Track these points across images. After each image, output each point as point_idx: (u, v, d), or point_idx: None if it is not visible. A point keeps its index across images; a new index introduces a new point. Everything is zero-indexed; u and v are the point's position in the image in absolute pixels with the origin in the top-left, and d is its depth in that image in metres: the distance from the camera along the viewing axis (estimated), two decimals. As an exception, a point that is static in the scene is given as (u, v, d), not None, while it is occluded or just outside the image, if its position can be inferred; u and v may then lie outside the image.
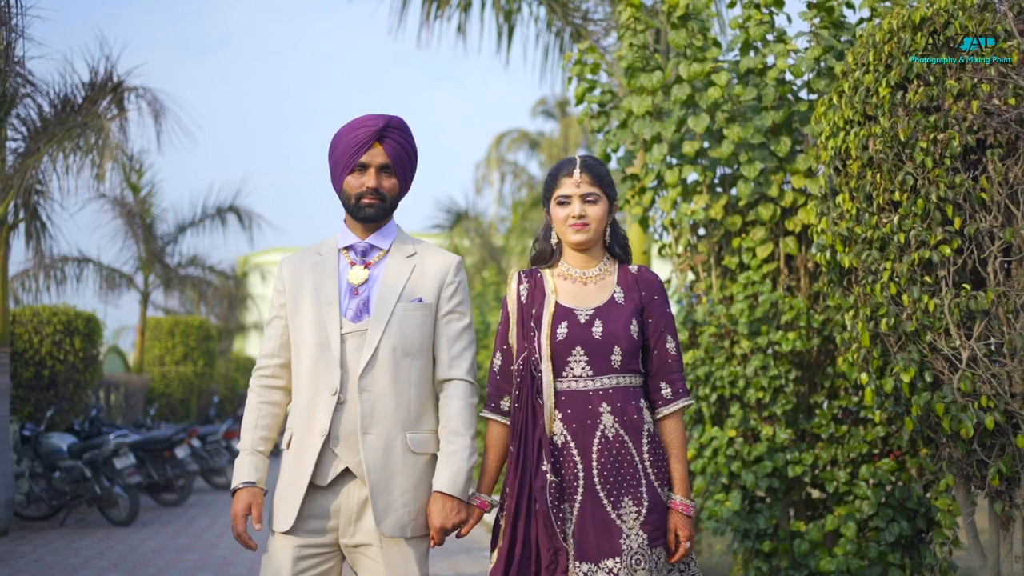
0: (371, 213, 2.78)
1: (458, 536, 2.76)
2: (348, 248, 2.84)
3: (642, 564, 2.64)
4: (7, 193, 8.99)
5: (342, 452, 2.68)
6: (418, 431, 2.74)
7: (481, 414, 2.88)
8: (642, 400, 2.78)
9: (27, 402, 10.44)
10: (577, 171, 2.79)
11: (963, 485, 3.64)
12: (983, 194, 3.23)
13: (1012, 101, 3.11)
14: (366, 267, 2.81)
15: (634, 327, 2.77)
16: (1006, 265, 3.30)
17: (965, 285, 3.30)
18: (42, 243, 10.52)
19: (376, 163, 2.76)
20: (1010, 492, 3.46)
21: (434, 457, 2.77)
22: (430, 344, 2.79)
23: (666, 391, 2.79)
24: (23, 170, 8.97)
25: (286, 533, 2.68)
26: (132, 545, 8.19)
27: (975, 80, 3.19)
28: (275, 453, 3.02)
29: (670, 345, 2.81)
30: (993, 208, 3.24)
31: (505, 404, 2.85)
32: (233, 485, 2.76)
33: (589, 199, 2.78)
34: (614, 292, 2.81)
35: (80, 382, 10.91)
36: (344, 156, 2.75)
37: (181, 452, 11.12)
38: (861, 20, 4.52)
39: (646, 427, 2.74)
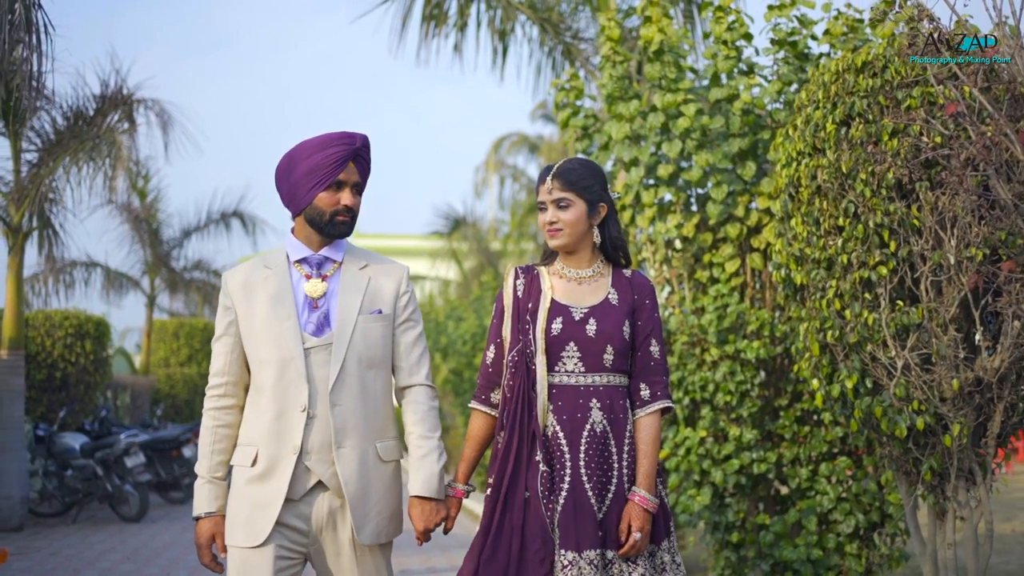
0: (344, 230, 2.79)
1: (445, 532, 2.85)
2: (301, 261, 2.81)
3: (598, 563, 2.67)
4: (23, 202, 9.40)
5: (315, 466, 2.70)
6: (385, 439, 2.79)
7: (470, 405, 2.94)
8: (627, 400, 2.83)
9: (39, 403, 10.85)
10: (549, 178, 2.83)
11: (903, 480, 4.03)
12: (915, 220, 3.62)
13: (938, 139, 3.51)
14: (323, 279, 2.80)
15: (626, 328, 2.81)
16: (936, 283, 3.69)
17: (900, 301, 3.70)
18: (54, 249, 10.93)
19: (351, 181, 2.78)
20: (942, 486, 3.85)
21: (399, 464, 2.84)
22: (390, 354, 2.84)
23: (645, 392, 2.82)
24: (38, 180, 9.38)
25: (256, 548, 2.67)
26: (143, 540, 8.58)
27: (906, 121, 3.59)
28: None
29: (654, 348, 2.85)
30: (925, 233, 3.63)
31: (495, 397, 2.89)
32: (195, 513, 2.76)
33: (561, 204, 2.81)
34: (609, 293, 2.85)
35: (90, 383, 11.32)
36: (319, 172, 2.73)
37: (188, 451, 11.49)
38: (821, 55, 4.91)
39: (629, 428, 2.79)
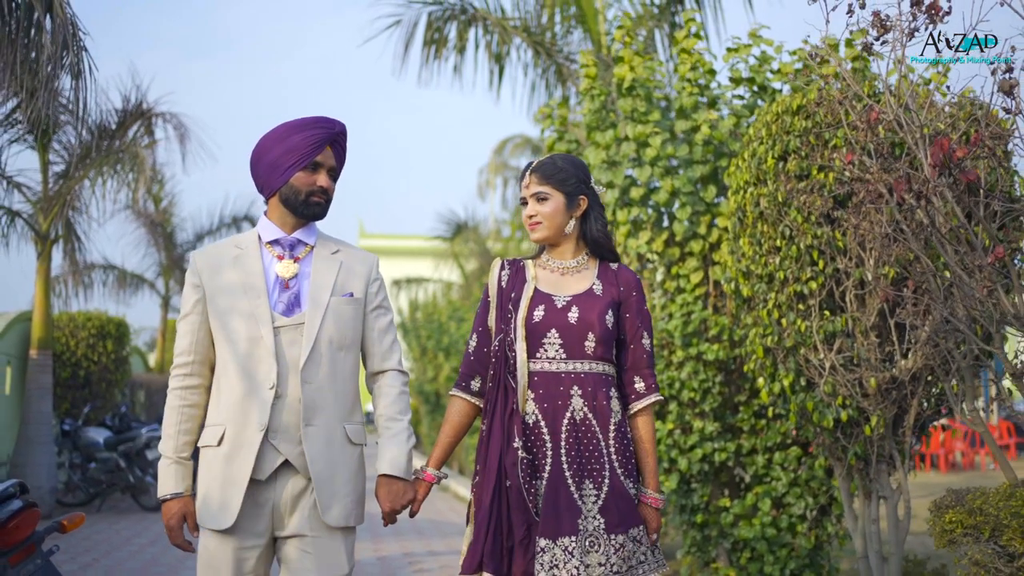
0: (319, 211, 2.79)
1: (411, 515, 2.84)
2: (273, 242, 2.80)
3: (597, 547, 2.66)
4: (51, 212, 10.06)
5: (281, 445, 2.66)
6: (353, 422, 2.78)
7: (450, 392, 2.96)
8: (612, 390, 2.82)
9: (64, 399, 11.52)
10: (528, 173, 2.89)
11: (838, 465, 4.65)
12: (840, 243, 4.24)
13: (851, 176, 4.12)
14: (295, 261, 2.79)
15: (609, 318, 2.81)
16: (859, 296, 4.30)
17: (827, 312, 4.32)
18: (77, 255, 11.59)
19: (328, 164, 2.79)
20: (866, 470, 4.47)
21: (364, 449, 2.84)
22: (360, 338, 2.84)
23: (639, 385, 2.85)
24: (65, 191, 10.03)
25: (224, 532, 2.64)
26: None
27: (829, 159, 4.20)
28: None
29: (646, 342, 2.87)
30: (848, 253, 4.25)
31: (475, 385, 2.90)
32: (161, 495, 2.72)
33: (539, 198, 2.86)
34: (593, 284, 2.86)
35: (111, 381, 12.00)
36: (297, 153, 2.73)
37: (203, 446, 12.14)
38: (774, 91, 5.53)
39: (614, 416, 2.78)
